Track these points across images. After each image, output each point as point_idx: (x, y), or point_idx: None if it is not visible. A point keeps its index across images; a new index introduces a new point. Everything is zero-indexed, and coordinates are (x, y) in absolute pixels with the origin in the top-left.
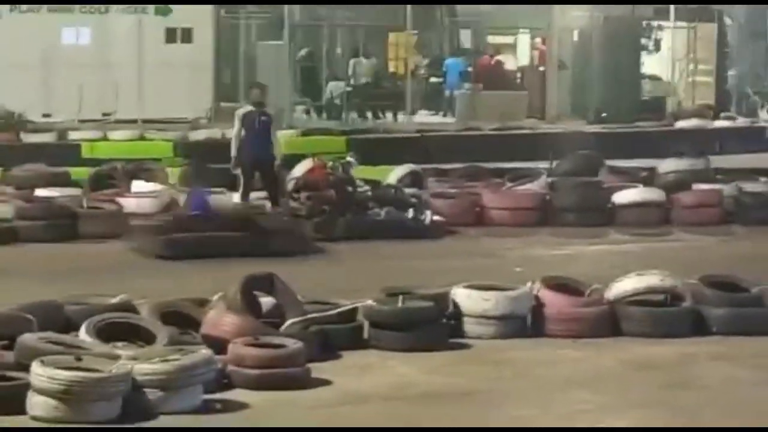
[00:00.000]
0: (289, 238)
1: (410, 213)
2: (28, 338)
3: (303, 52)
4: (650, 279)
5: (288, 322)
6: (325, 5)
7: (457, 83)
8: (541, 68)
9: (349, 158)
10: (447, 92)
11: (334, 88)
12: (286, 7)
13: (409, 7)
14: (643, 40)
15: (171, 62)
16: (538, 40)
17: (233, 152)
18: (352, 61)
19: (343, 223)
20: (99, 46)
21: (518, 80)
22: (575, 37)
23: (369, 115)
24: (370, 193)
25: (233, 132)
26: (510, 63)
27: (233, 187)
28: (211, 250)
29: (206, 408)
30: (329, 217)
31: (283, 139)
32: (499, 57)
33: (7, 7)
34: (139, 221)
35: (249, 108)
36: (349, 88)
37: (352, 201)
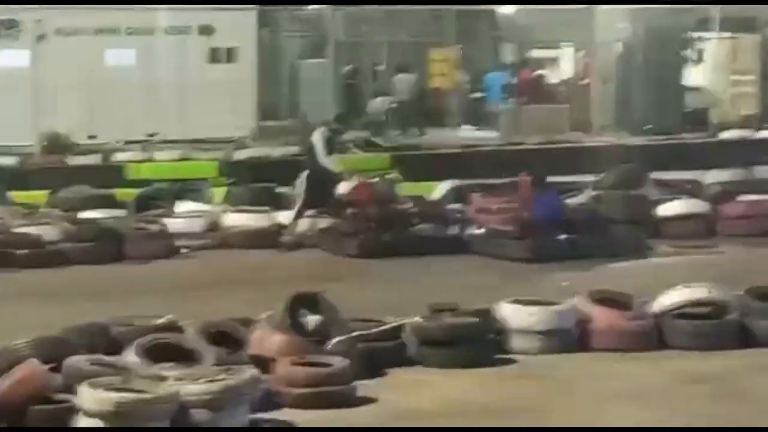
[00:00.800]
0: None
1: (455, 228)
2: (75, 360)
3: (347, 69)
4: (696, 291)
5: (334, 341)
6: (367, 22)
7: (500, 98)
8: (585, 81)
9: (392, 175)
10: (489, 107)
11: (378, 104)
12: (328, 24)
13: (452, 22)
14: (686, 52)
15: (215, 82)
16: (581, 53)
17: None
18: (395, 78)
19: (387, 240)
20: (143, 67)
21: (561, 94)
22: (618, 50)
23: (413, 131)
24: (414, 210)
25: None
26: (553, 76)
27: (278, 206)
28: (570, 252)
29: (253, 427)
30: (373, 235)
31: None
32: (540, 71)
33: (52, 29)
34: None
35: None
36: (393, 105)
37: (396, 218)
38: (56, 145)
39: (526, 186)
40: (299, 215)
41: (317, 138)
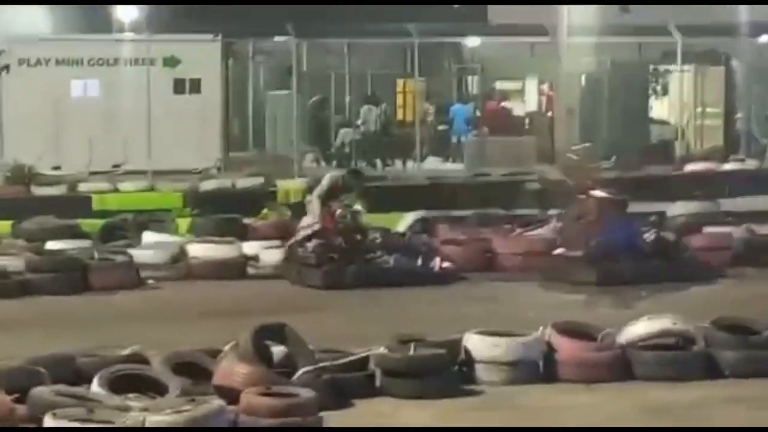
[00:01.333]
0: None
1: (420, 260)
2: (40, 391)
3: (314, 99)
4: (662, 323)
5: (300, 371)
6: (333, 54)
7: (465, 129)
8: (549, 113)
9: (357, 206)
10: (454, 139)
11: (343, 135)
12: (294, 55)
13: (416, 54)
14: (651, 84)
15: (180, 113)
16: (545, 85)
17: None
18: (363, 109)
19: (352, 271)
20: (108, 98)
21: (526, 126)
22: (583, 82)
23: (378, 162)
24: (379, 241)
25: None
26: (518, 109)
27: (242, 237)
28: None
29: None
30: (338, 266)
31: (292, 187)
32: (505, 103)
33: (15, 59)
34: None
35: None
36: (358, 136)
37: (360, 249)
38: (20, 175)
39: (600, 209)
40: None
41: (326, 181)
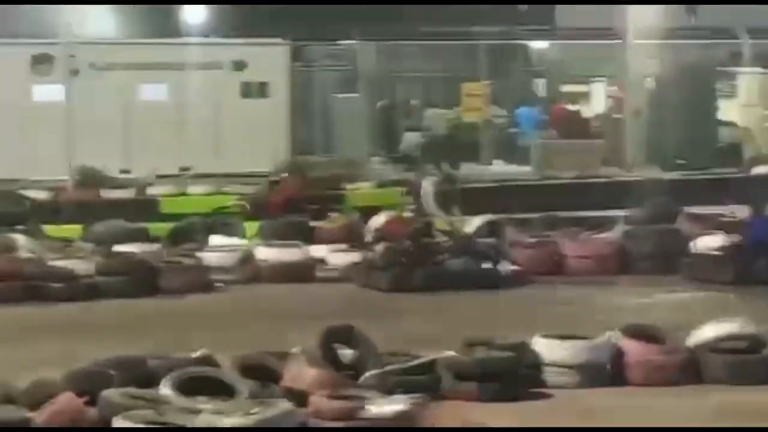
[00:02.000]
0: None
1: (487, 263)
2: (110, 393)
3: (382, 103)
4: (731, 326)
5: (367, 374)
6: (400, 57)
7: (532, 132)
8: (617, 116)
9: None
10: (522, 142)
11: (410, 139)
12: (360, 59)
13: (483, 56)
14: (719, 86)
15: (247, 116)
16: (614, 88)
17: None
18: (427, 112)
19: (420, 274)
20: (176, 102)
21: (594, 128)
22: (650, 84)
23: (445, 165)
24: (448, 244)
25: None
26: (585, 111)
27: (310, 240)
28: None
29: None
30: (406, 269)
31: (360, 191)
32: (573, 106)
33: (85, 63)
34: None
35: None
36: (425, 140)
37: (429, 252)
38: (89, 179)
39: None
40: None
41: (427, 187)
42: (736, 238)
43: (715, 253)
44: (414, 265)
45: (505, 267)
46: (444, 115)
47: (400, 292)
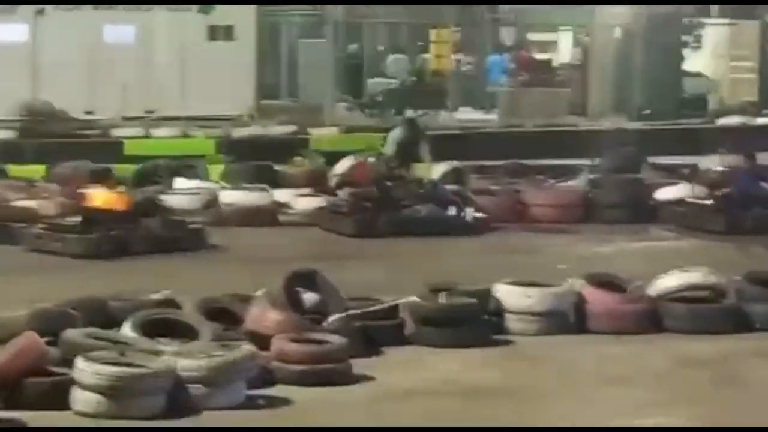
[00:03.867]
0: None
1: (452, 210)
2: (72, 334)
3: (350, 48)
4: (693, 276)
5: (331, 318)
6: (367, 3)
7: (498, 80)
8: (583, 65)
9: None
10: (488, 89)
11: (375, 85)
12: (327, 4)
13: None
14: (685, 37)
15: (213, 60)
16: (579, 37)
17: None
18: (389, 58)
19: (384, 219)
20: (142, 44)
21: (560, 77)
22: (617, 34)
23: (408, 112)
24: (412, 191)
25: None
26: (551, 60)
27: (274, 185)
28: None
29: (250, 404)
30: (371, 214)
31: (325, 136)
32: (538, 54)
33: (50, 3)
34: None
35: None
36: (391, 86)
37: (392, 198)
38: (54, 120)
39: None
40: None
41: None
42: (725, 188)
43: (707, 202)
44: (378, 210)
45: (469, 214)
46: (409, 61)
47: (364, 238)
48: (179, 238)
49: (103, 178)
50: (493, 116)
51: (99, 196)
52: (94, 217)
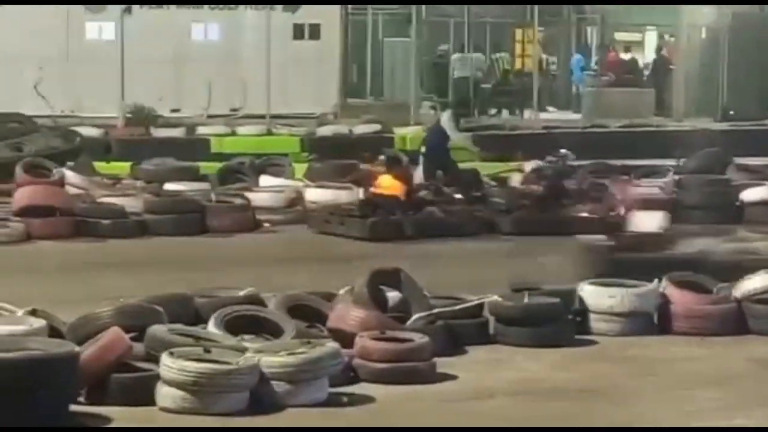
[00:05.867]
0: None
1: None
2: (157, 330)
3: (439, 49)
4: None
5: (414, 317)
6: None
7: (584, 80)
8: (669, 66)
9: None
10: (573, 89)
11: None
12: (413, 4)
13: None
14: None
15: (299, 58)
16: (669, 38)
17: None
18: (454, 57)
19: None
20: (228, 42)
21: (645, 77)
22: (703, 35)
23: (495, 111)
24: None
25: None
26: (638, 60)
27: (358, 183)
28: None
29: (332, 401)
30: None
31: (410, 134)
32: (626, 54)
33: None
34: None
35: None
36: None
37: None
38: (140, 117)
39: None
40: None
41: (446, 118)
42: None
43: None
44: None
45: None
46: (494, 60)
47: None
48: (455, 224)
49: (392, 165)
50: (578, 116)
51: (384, 182)
52: (376, 202)
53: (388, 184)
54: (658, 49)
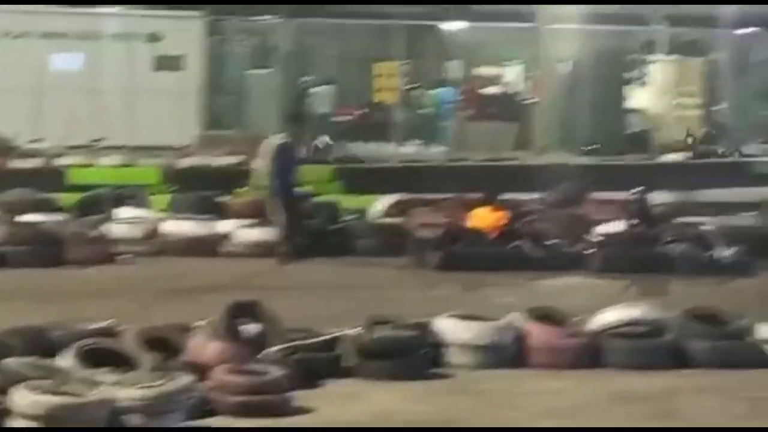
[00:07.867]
0: None
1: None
2: (10, 362)
3: (304, 80)
4: (633, 311)
5: (271, 350)
6: (317, 35)
7: (445, 114)
8: (530, 100)
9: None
10: (435, 122)
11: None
12: (277, 35)
13: (399, 37)
14: (632, 73)
15: (160, 89)
16: (527, 72)
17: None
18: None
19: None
20: (89, 73)
21: (507, 111)
22: (564, 69)
23: (356, 144)
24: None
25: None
26: (499, 94)
27: (219, 215)
28: None
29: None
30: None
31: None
32: (486, 88)
33: None
34: None
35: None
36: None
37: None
38: None
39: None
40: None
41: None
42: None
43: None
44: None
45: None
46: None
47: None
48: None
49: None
50: (440, 149)
51: (476, 216)
52: (454, 234)
53: (479, 217)
54: (520, 83)
